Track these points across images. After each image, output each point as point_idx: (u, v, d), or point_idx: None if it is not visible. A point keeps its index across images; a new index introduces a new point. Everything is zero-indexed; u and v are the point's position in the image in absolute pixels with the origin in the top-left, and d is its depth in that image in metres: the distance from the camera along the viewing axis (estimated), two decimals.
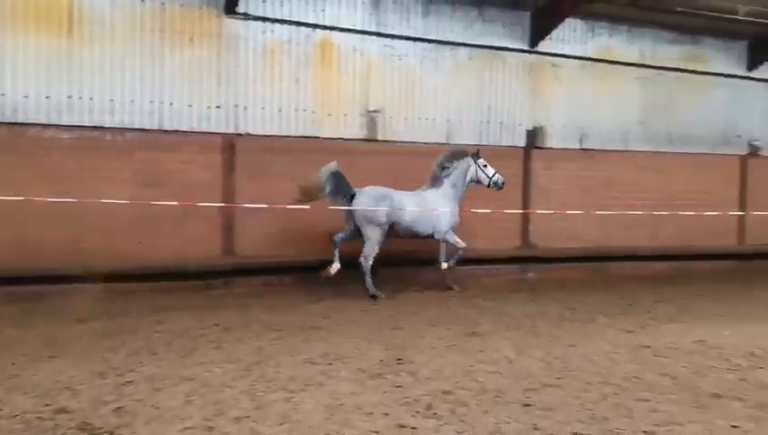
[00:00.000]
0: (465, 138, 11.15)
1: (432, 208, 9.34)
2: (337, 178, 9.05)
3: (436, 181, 9.62)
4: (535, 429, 4.31)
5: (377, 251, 9.06)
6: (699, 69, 12.83)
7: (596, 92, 12.11)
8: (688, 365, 5.91)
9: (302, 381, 5.23)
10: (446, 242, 9.59)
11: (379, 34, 10.53)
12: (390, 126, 10.72)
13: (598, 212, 11.47)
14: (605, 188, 12.05)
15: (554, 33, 11.51)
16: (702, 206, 12.26)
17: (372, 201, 9.06)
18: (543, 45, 11.57)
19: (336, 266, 9.10)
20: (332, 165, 9.05)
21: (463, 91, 11.20)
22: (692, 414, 4.65)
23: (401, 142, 10.75)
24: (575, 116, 12.00)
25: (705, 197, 12.69)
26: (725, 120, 13.19)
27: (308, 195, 8.99)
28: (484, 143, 11.25)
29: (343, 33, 10.32)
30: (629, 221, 12.01)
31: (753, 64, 13.19)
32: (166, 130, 9.48)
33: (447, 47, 11.00)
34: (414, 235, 9.41)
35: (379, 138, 10.65)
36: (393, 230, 9.23)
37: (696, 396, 5.06)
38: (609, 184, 12.10)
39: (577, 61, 11.88)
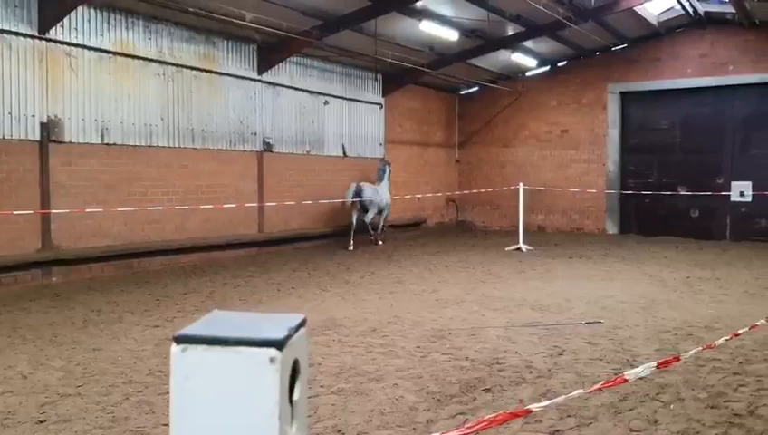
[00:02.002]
0: None
1: (384, 195, 15.74)
2: (357, 188, 14.80)
3: (380, 179, 16.00)
4: None
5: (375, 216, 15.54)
6: (215, 69, 13.56)
7: (116, 86, 11.75)
8: None
9: None
10: (384, 216, 16.15)
11: None
12: None
13: (122, 209, 11.27)
14: (129, 183, 11.82)
15: (67, 21, 10.80)
16: (224, 198, 13.13)
17: (372, 191, 15.05)
18: (56, 33, 10.74)
19: (352, 243, 14.84)
20: (353, 185, 14.88)
21: None
22: None
23: None
24: (95, 110, 11.44)
25: (228, 190, 13.59)
26: (241, 118, 14.24)
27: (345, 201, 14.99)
28: None
29: None
30: (156, 216, 12.09)
31: (261, 68, 14.54)
32: None
33: None
34: (381, 211, 15.65)
35: None
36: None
37: None
38: (134, 179, 11.93)
39: (94, 52, 11.35)
